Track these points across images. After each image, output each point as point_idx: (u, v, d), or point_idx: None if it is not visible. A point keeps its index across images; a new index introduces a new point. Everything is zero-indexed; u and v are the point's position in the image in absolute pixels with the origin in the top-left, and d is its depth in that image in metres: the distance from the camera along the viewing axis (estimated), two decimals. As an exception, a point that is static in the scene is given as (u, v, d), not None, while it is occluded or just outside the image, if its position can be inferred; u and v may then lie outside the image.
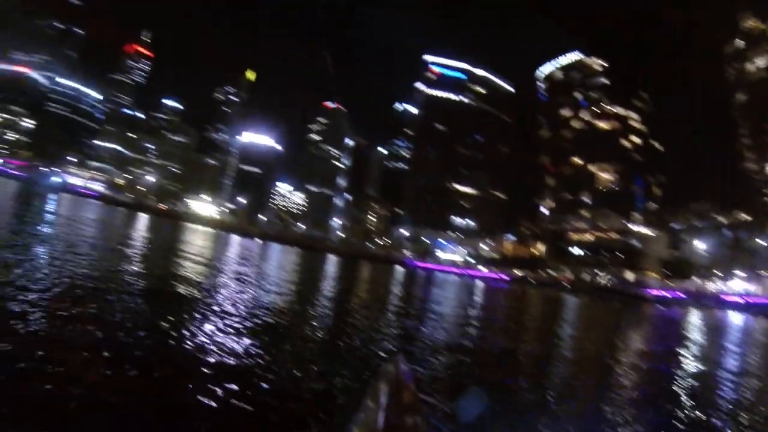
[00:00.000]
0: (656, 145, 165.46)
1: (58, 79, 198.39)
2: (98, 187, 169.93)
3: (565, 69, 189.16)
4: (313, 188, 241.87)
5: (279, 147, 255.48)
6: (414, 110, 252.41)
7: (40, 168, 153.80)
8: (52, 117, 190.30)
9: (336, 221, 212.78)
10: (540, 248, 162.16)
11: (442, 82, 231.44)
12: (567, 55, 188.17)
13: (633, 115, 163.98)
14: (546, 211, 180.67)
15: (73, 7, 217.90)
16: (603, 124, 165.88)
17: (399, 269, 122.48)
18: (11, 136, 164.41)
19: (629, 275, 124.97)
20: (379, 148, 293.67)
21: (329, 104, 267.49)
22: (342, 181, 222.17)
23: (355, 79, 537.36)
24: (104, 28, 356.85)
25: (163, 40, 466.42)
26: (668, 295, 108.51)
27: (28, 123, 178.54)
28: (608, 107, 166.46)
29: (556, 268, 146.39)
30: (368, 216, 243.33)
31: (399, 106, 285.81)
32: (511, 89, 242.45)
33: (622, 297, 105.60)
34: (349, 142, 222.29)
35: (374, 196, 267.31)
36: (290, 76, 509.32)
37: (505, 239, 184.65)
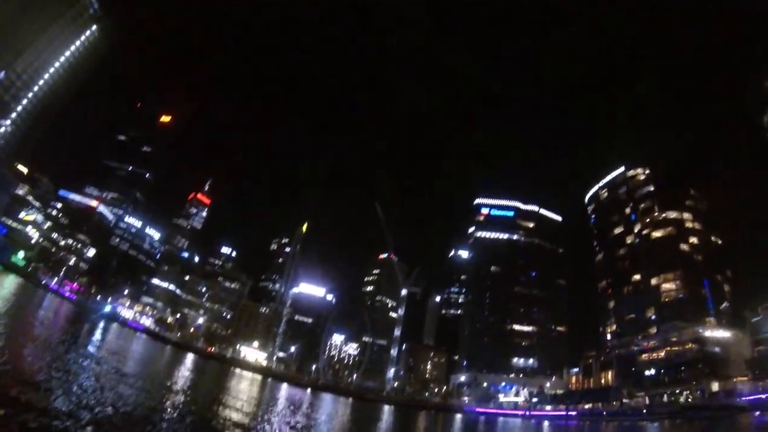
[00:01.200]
0: (716, 240, 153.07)
1: (125, 217, 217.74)
2: (147, 321, 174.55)
3: (609, 186, 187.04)
4: (366, 338, 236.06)
5: (331, 298, 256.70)
6: (466, 255, 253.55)
7: (96, 295, 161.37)
8: (114, 250, 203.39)
9: (391, 371, 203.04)
10: (609, 377, 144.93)
11: (491, 222, 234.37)
12: (612, 173, 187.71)
13: (686, 215, 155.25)
14: (610, 337, 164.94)
15: (146, 153, 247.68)
16: (657, 233, 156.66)
17: (458, 417, 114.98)
18: (73, 261, 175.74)
19: (714, 386, 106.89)
20: (435, 296, 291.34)
21: (383, 255, 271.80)
22: (397, 331, 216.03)
23: (409, 229, 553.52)
24: (171, 176, 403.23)
25: (224, 190, 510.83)
26: (764, 397, 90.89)
27: (91, 252, 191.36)
28: (660, 214, 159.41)
29: (629, 395, 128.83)
30: (425, 365, 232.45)
31: (452, 253, 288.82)
32: (559, 219, 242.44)
33: (711, 411, 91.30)
34: (404, 291, 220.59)
35: (430, 344, 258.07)
36: (344, 228, 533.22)
37: (569, 373, 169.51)
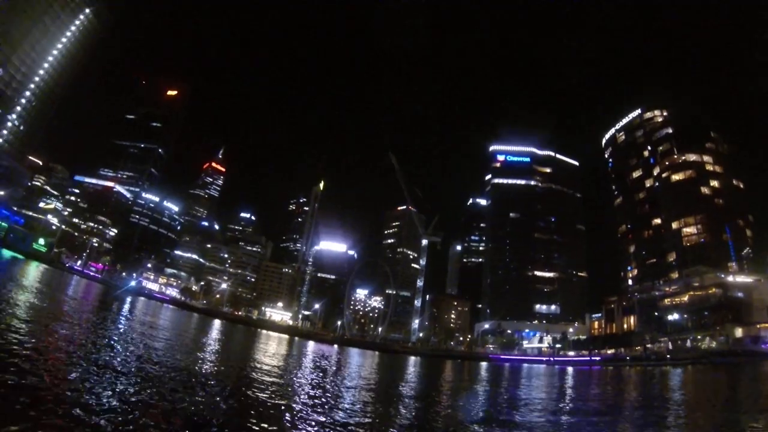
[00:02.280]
0: (737, 183, 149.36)
1: (143, 194, 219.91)
2: (173, 292, 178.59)
3: (626, 129, 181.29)
4: (390, 291, 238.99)
5: (353, 253, 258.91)
6: (485, 202, 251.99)
7: (121, 272, 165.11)
8: (135, 227, 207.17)
9: (415, 322, 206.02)
10: (630, 322, 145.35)
11: (507, 169, 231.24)
12: (629, 115, 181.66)
13: (706, 158, 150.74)
14: (632, 282, 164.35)
15: (156, 129, 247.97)
16: (677, 176, 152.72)
17: (483, 364, 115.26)
18: (96, 242, 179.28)
19: (738, 332, 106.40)
20: (456, 246, 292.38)
21: (401, 207, 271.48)
22: (420, 282, 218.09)
23: (426, 179, 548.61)
24: (183, 148, 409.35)
25: (238, 155, 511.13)
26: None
27: (112, 231, 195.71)
28: (679, 157, 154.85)
29: (651, 340, 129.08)
30: (449, 314, 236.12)
31: (470, 201, 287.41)
32: (576, 163, 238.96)
33: (735, 357, 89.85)
34: (424, 241, 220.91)
35: (453, 293, 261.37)
36: (360, 183, 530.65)
37: (591, 319, 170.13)
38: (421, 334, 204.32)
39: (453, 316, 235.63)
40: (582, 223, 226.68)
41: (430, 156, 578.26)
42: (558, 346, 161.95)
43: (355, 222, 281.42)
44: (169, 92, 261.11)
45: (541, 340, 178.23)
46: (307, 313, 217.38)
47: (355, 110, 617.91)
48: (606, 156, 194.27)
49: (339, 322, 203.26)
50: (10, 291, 33.03)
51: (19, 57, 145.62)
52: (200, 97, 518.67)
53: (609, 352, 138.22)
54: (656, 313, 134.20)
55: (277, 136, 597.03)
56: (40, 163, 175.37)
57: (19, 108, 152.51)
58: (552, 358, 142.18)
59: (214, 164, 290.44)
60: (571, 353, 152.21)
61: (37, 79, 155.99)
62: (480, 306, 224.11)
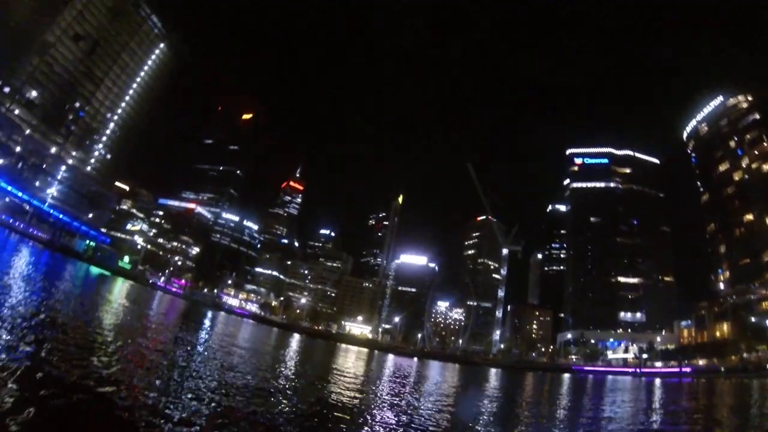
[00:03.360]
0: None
1: (223, 214, 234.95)
2: (252, 307, 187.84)
3: (708, 120, 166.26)
4: (471, 302, 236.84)
5: (434, 265, 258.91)
6: (564, 208, 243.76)
7: (203, 288, 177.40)
8: (216, 246, 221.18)
9: (497, 333, 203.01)
10: (724, 329, 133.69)
11: (586, 172, 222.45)
12: (710, 104, 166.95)
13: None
14: (724, 285, 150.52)
15: (234, 152, 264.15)
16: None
17: (566, 376, 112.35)
18: (179, 260, 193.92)
19: None
20: (536, 254, 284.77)
21: (481, 217, 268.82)
22: (501, 292, 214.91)
23: (504, 187, 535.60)
24: (262, 168, 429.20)
25: (317, 173, 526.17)
26: None
27: (194, 250, 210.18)
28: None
29: (748, 349, 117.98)
30: (530, 324, 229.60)
31: (550, 207, 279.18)
32: (656, 161, 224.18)
33: None
34: (504, 251, 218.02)
35: (535, 303, 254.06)
36: (439, 194, 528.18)
37: (680, 327, 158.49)
38: (502, 346, 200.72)
39: (535, 326, 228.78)
40: (666, 224, 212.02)
41: (509, 164, 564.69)
42: (645, 356, 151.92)
43: (435, 234, 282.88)
44: (245, 116, 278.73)
45: (626, 350, 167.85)
46: (387, 326, 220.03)
47: (432, 122, 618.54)
48: (689, 151, 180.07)
49: (419, 335, 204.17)
50: (101, 303, 37.91)
51: (102, 92, 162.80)
52: (278, 118, 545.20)
53: (701, 362, 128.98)
54: (753, 319, 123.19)
55: (356, 152, 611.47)
56: (127, 188, 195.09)
57: (104, 138, 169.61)
58: (638, 370, 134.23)
59: (292, 183, 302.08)
60: (659, 364, 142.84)
61: (119, 111, 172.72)
62: (562, 315, 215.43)
